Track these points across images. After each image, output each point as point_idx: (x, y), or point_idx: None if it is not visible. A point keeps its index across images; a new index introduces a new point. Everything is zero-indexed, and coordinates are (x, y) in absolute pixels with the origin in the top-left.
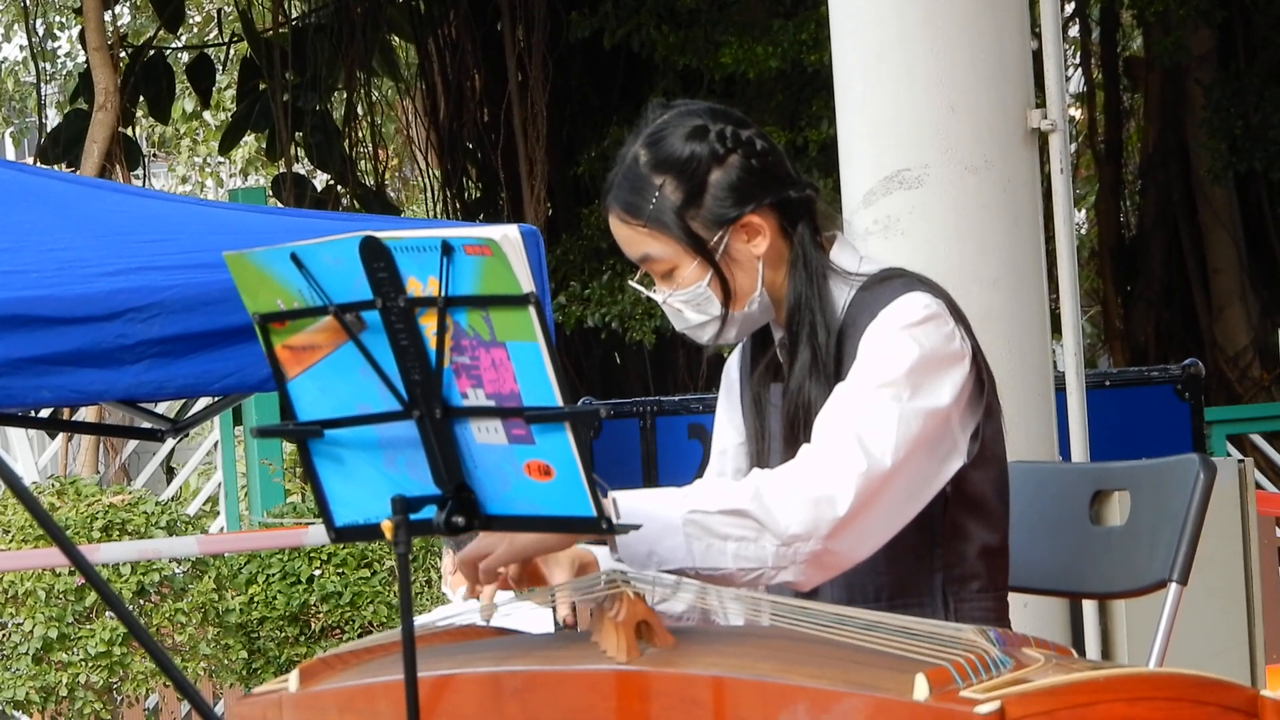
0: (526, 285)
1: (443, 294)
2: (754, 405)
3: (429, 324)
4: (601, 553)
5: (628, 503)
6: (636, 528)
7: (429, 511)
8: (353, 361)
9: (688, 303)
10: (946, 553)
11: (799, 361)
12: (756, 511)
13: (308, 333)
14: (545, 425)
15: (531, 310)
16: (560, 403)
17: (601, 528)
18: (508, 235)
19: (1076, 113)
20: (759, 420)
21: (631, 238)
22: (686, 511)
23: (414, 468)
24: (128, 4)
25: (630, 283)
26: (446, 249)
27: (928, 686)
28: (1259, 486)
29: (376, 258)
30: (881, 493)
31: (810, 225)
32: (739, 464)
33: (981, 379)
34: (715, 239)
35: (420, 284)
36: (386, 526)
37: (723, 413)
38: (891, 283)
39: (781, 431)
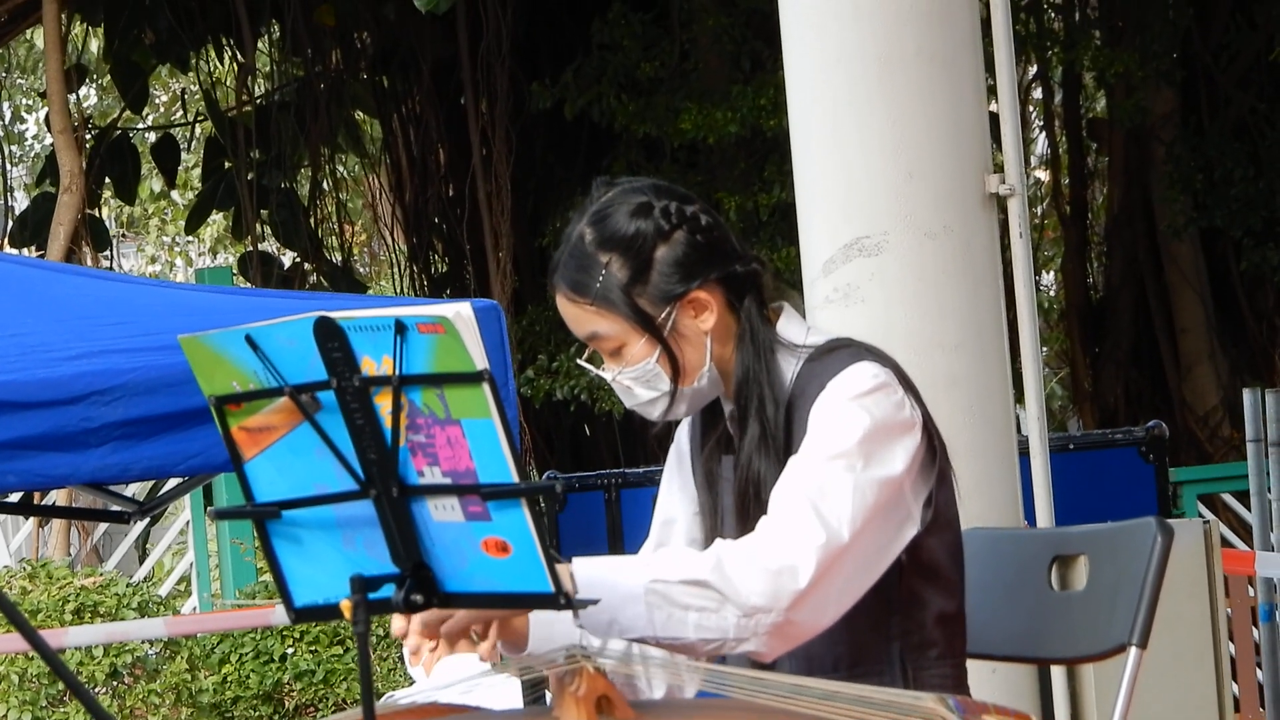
0: (480, 362)
1: (397, 373)
2: (706, 479)
3: (384, 403)
4: (538, 619)
5: (588, 572)
6: (595, 602)
7: (388, 590)
8: (309, 442)
9: (637, 379)
10: (903, 620)
11: (748, 435)
12: (718, 582)
13: (264, 414)
14: (502, 502)
15: (486, 387)
16: (516, 479)
17: (560, 603)
18: (460, 313)
19: (1043, 174)
20: (711, 494)
21: (579, 316)
22: (648, 581)
23: (372, 546)
24: (93, 86)
25: (579, 361)
26: (400, 328)
27: None
28: (1231, 546)
29: (330, 338)
30: (840, 563)
31: (757, 299)
32: (694, 535)
33: (933, 446)
34: (663, 315)
35: (375, 363)
36: (345, 606)
37: (671, 483)
38: (839, 353)
39: (734, 505)
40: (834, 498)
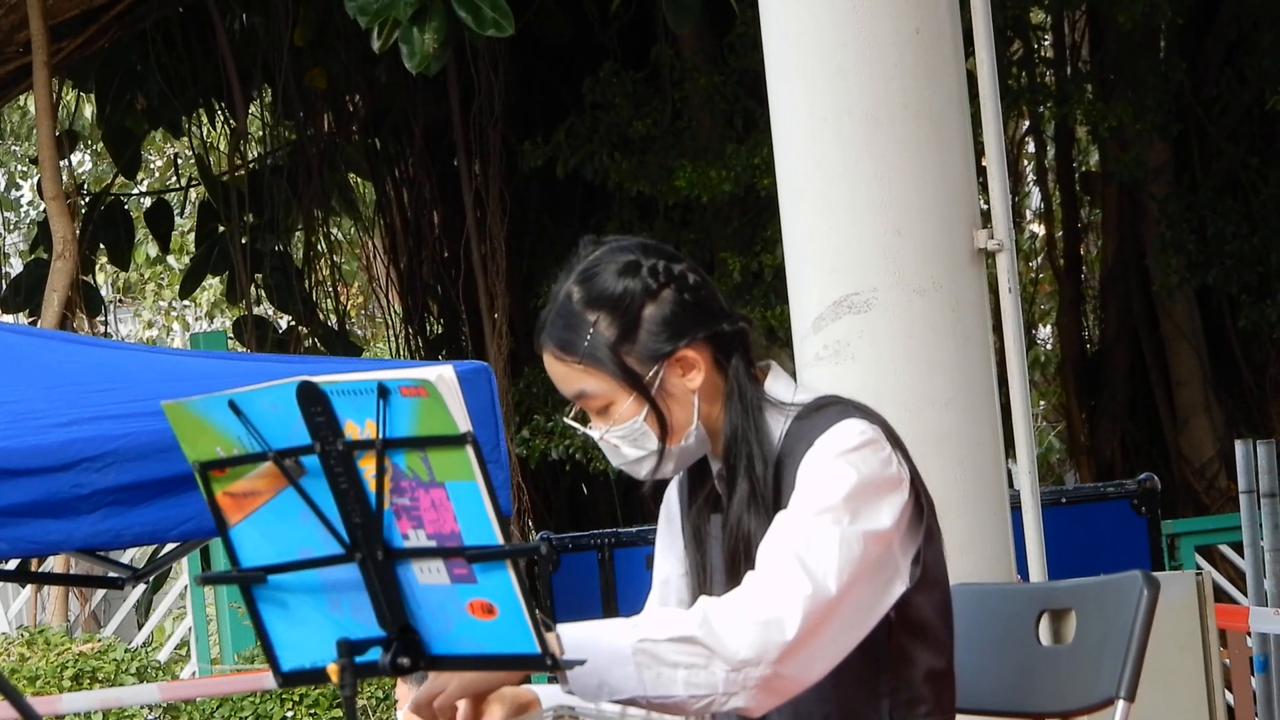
0: (463, 425)
1: (381, 436)
2: (694, 537)
3: (368, 467)
4: (545, 690)
5: (575, 635)
6: (581, 663)
7: (374, 653)
8: (294, 506)
9: (624, 438)
10: (892, 678)
11: (737, 494)
12: (705, 638)
13: (248, 479)
14: (487, 564)
15: (469, 450)
16: (500, 541)
17: (546, 665)
18: (443, 376)
19: (1037, 228)
20: (699, 552)
21: (567, 375)
22: (635, 641)
23: (358, 610)
24: (86, 151)
25: (565, 420)
26: (383, 391)
27: None
28: (1229, 598)
29: (314, 402)
30: (828, 616)
31: (744, 357)
32: (682, 595)
33: (921, 503)
34: (650, 374)
35: (358, 427)
36: (332, 670)
37: (663, 543)
38: (827, 411)
39: (723, 564)
40: (820, 551)
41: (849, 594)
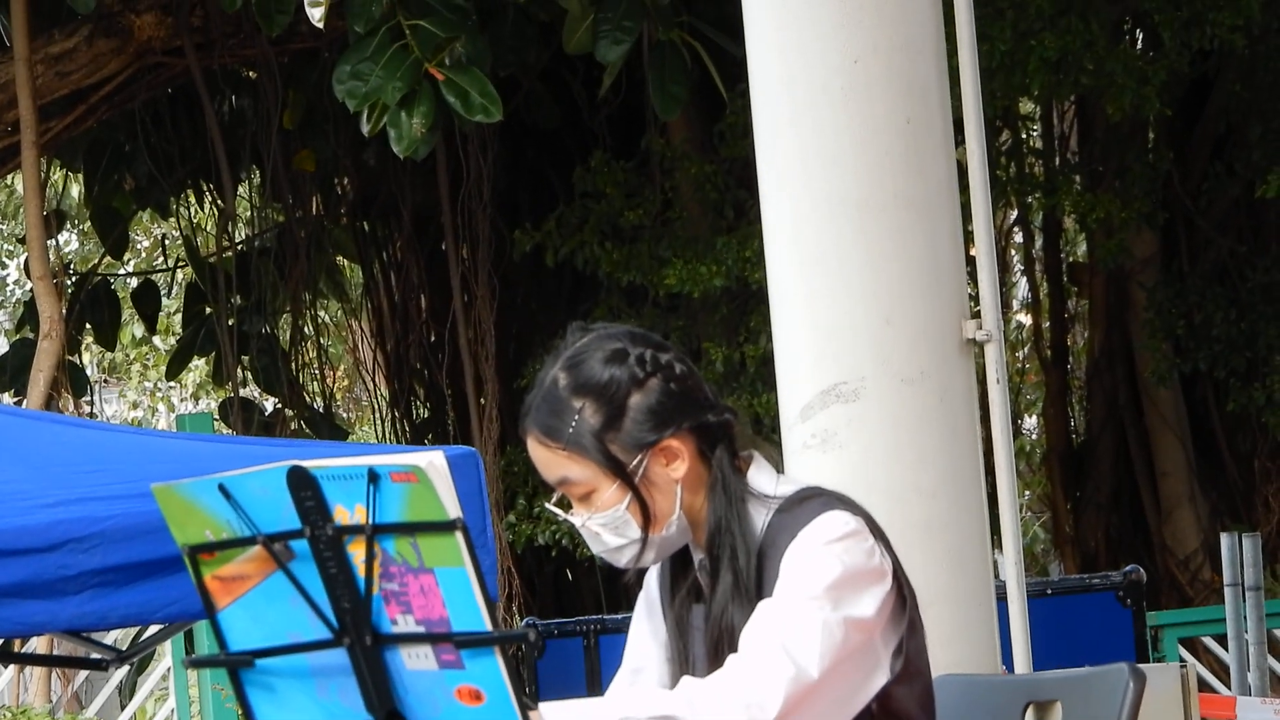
0: (453, 511)
1: (370, 522)
2: (676, 627)
3: (357, 552)
4: None
5: (557, 716)
6: None
7: None
8: (283, 590)
9: (606, 526)
10: None
11: (721, 585)
12: (688, 716)
13: (237, 563)
14: (475, 650)
15: (459, 536)
16: (489, 627)
17: None
18: (433, 462)
19: (1024, 318)
20: (682, 642)
21: (550, 460)
22: (618, 719)
23: (346, 694)
24: (73, 231)
25: (547, 505)
26: (373, 477)
27: None
28: (1212, 690)
29: (303, 487)
30: (809, 700)
31: (728, 448)
32: (663, 683)
33: (903, 595)
34: (634, 463)
35: (348, 512)
36: None
37: (641, 631)
38: (809, 503)
39: (705, 654)
40: (803, 636)
41: (830, 679)
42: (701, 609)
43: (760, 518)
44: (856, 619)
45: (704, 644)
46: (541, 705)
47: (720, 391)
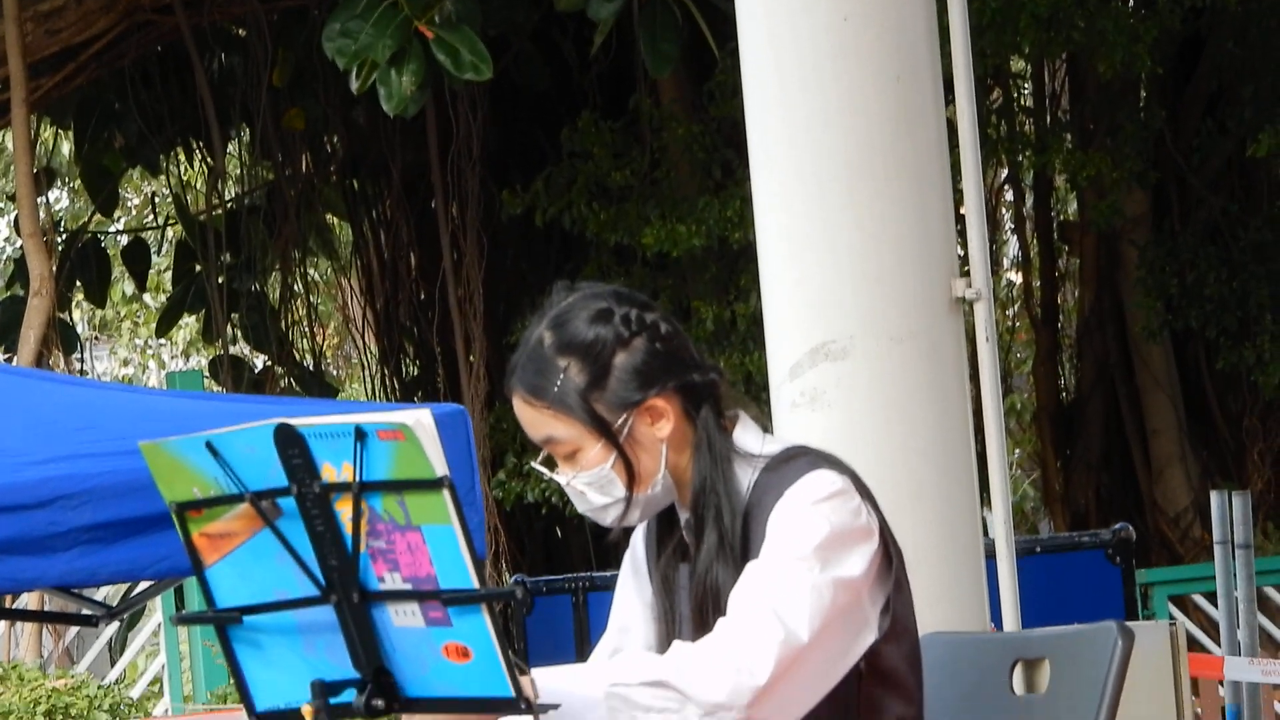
0: (440, 469)
1: (357, 479)
2: (662, 586)
3: (345, 509)
4: None
5: (548, 681)
6: (555, 707)
7: (349, 695)
8: (270, 548)
9: (591, 485)
10: None
11: (706, 544)
12: (678, 682)
13: (224, 520)
14: (462, 607)
15: (446, 494)
16: (476, 585)
17: (520, 708)
18: (420, 420)
19: (1014, 277)
20: (668, 601)
21: (535, 419)
22: (608, 685)
23: (333, 652)
24: (63, 189)
25: (533, 464)
26: (360, 435)
27: None
28: (1201, 647)
29: (291, 444)
30: (800, 662)
31: (714, 408)
32: (650, 641)
33: (889, 554)
34: (619, 422)
35: (335, 470)
36: (307, 711)
37: (627, 590)
38: (796, 462)
39: (691, 614)
40: (792, 598)
41: (820, 641)
42: (687, 568)
43: (746, 477)
44: (844, 579)
45: (689, 603)
46: (533, 670)
47: (711, 350)
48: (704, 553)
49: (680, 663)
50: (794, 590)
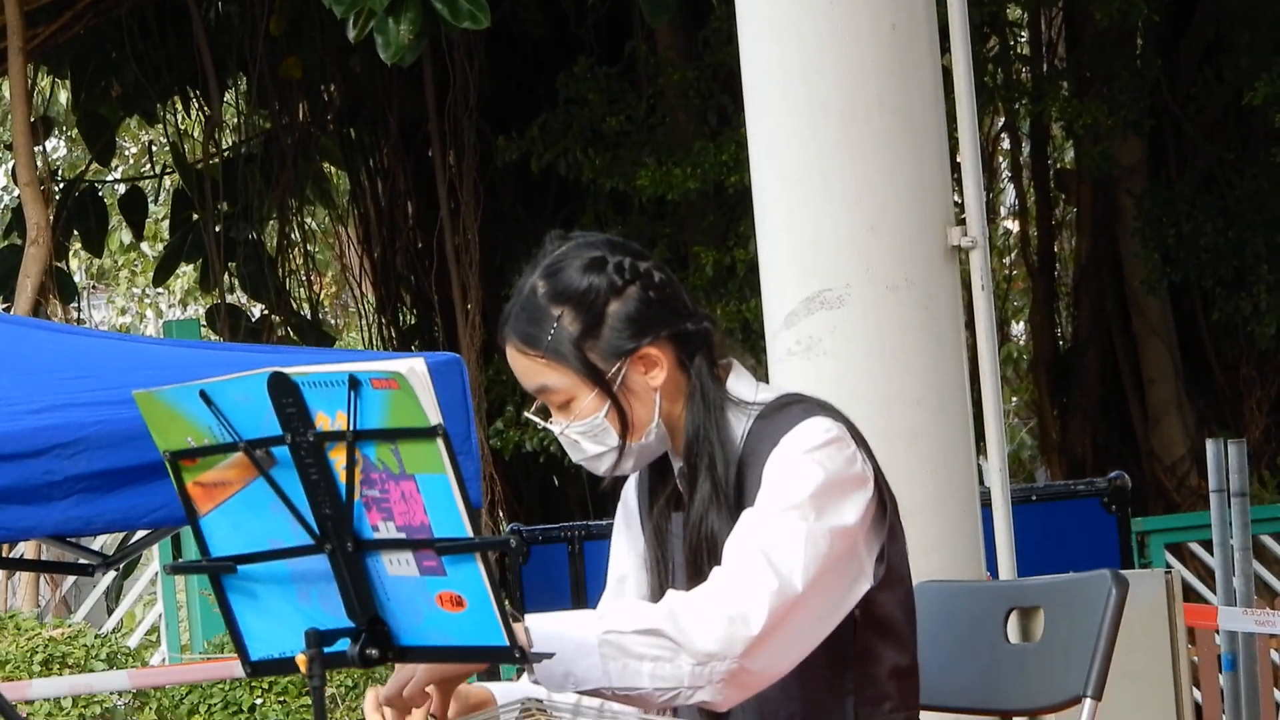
0: (434, 418)
1: (351, 428)
2: (655, 535)
3: (339, 458)
4: (500, 688)
5: (542, 626)
6: (550, 656)
7: (343, 644)
8: (264, 497)
9: (584, 434)
10: (858, 675)
11: (700, 493)
12: (671, 630)
13: (218, 469)
14: (456, 556)
15: (440, 443)
16: (470, 533)
17: (515, 657)
18: (414, 368)
19: (1011, 225)
20: (661, 550)
21: (529, 368)
22: (602, 632)
23: (327, 601)
24: (60, 138)
25: (527, 414)
26: (354, 383)
27: None
28: (1198, 595)
29: (285, 393)
30: (794, 610)
31: (707, 356)
32: (642, 591)
33: (884, 502)
34: (613, 370)
35: (329, 418)
36: (301, 660)
37: (621, 539)
38: (790, 409)
39: (685, 562)
40: (786, 547)
41: (815, 590)
42: (680, 517)
43: (740, 425)
44: (839, 528)
45: (683, 552)
46: (527, 617)
47: (709, 297)
48: (698, 501)
49: (674, 611)
50: (789, 539)
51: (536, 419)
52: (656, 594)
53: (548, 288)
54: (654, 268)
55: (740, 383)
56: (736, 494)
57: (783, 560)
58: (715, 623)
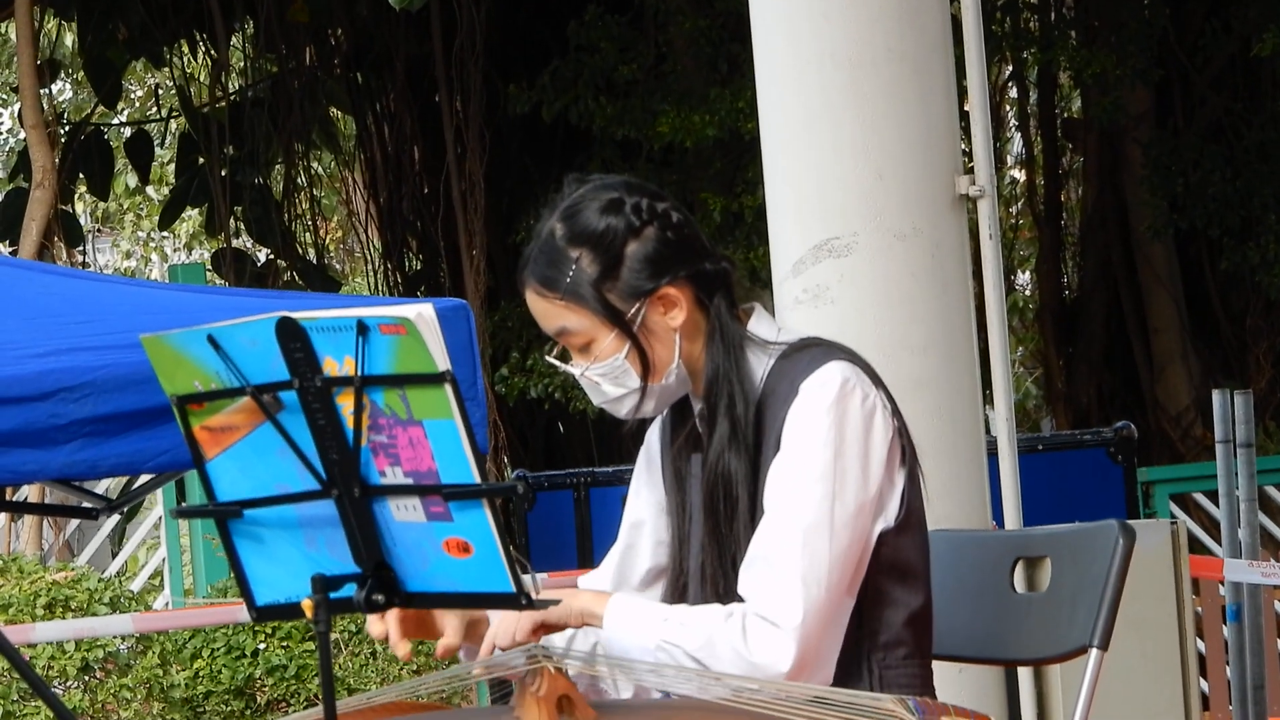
0: (442, 363)
1: (359, 373)
2: (674, 478)
3: (346, 403)
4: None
5: (615, 605)
6: (555, 603)
7: (349, 590)
8: (271, 442)
9: (605, 376)
10: (874, 620)
11: (718, 433)
12: (713, 666)
13: (226, 414)
14: (463, 502)
15: (448, 388)
16: (478, 480)
17: (520, 604)
18: (422, 314)
19: (1018, 174)
20: (680, 493)
21: (548, 311)
22: (660, 639)
23: (334, 546)
24: (67, 81)
25: (548, 358)
26: (362, 329)
27: None
28: (1203, 545)
29: (293, 338)
30: (822, 622)
31: (727, 297)
32: (660, 536)
33: (903, 445)
34: (632, 311)
35: (337, 364)
36: (307, 605)
37: (641, 484)
38: (811, 351)
39: (702, 503)
40: (813, 563)
41: (839, 583)
42: (699, 458)
43: (760, 365)
44: (861, 502)
45: (700, 492)
46: (613, 598)
47: (716, 245)
48: (715, 441)
49: (712, 649)
50: (806, 552)
51: (556, 363)
52: (676, 539)
53: (566, 230)
54: (671, 208)
55: (761, 324)
56: (755, 435)
57: (808, 576)
58: (745, 669)
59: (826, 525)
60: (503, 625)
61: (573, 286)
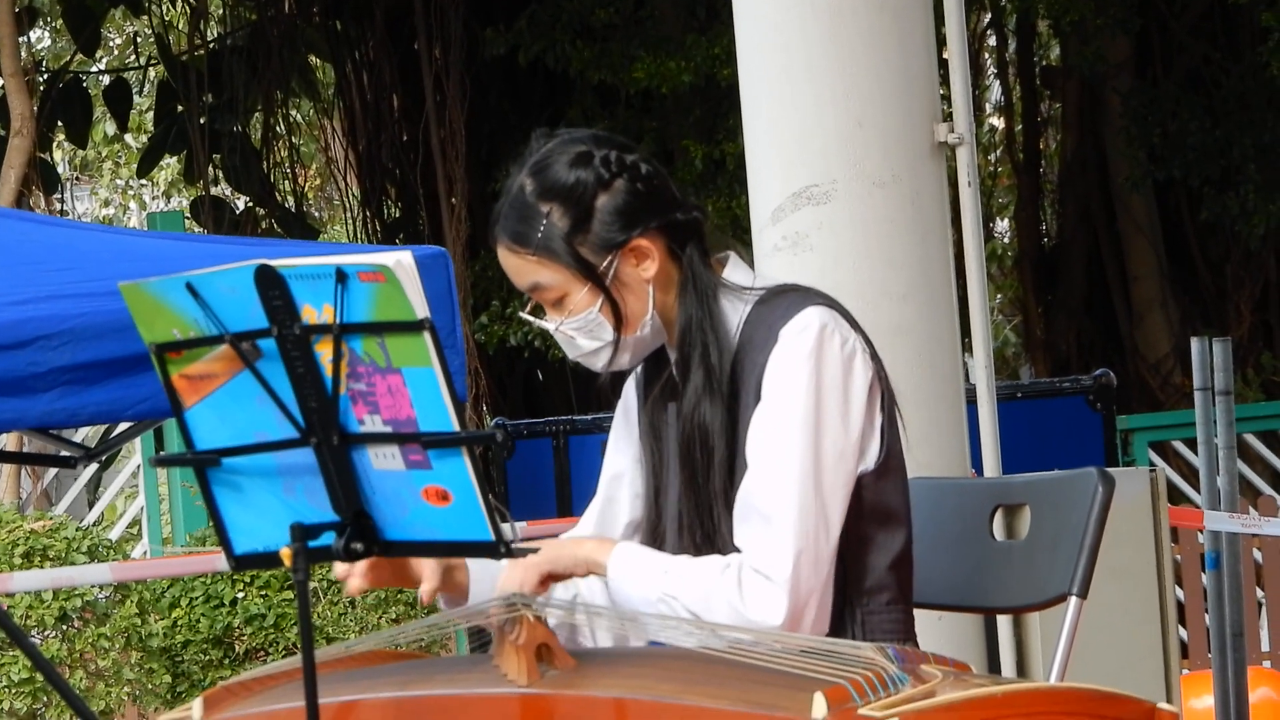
0: (421, 311)
1: (338, 321)
2: (650, 429)
3: (325, 351)
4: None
5: (625, 564)
6: (535, 550)
7: (328, 538)
8: (250, 390)
9: (579, 330)
10: (856, 565)
11: (692, 383)
12: (708, 618)
13: (204, 361)
14: (442, 450)
15: (426, 336)
16: (456, 428)
17: (500, 552)
18: (401, 261)
19: (997, 122)
20: (656, 443)
21: (520, 267)
22: (662, 591)
23: (312, 495)
24: (45, 28)
25: (521, 314)
26: (341, 276)
27: (826, 705)
28: (1182, 493)
29: (271, 286)
30: (813, 572)
31: (699, 247)
32: (637, 488)
33: (883, 387)
34: (604, 264)
35: (315, 311)
36: (285, 554)
37: (619, 437)
38: (787, 296)
39: (678, 452)
40: (792, 512)
41: (828, 532)
42: (675, 408)
43: (736, 313)
44: (843, 448)
45: (676, 442)
46: (617, 548)
47: (698, 192)
48: (690, 391)
49: (708, 602)
50: (796, 504)
51: (531, 318)
52: (651, 490)
53: (535, 185)
54: (640, 160)
55: (736, 272)
56: (732, 383)
57: (800, 528)
58: (742, 621)
59: (812, 474)
60: (510, 575)
61: (544, 241)
